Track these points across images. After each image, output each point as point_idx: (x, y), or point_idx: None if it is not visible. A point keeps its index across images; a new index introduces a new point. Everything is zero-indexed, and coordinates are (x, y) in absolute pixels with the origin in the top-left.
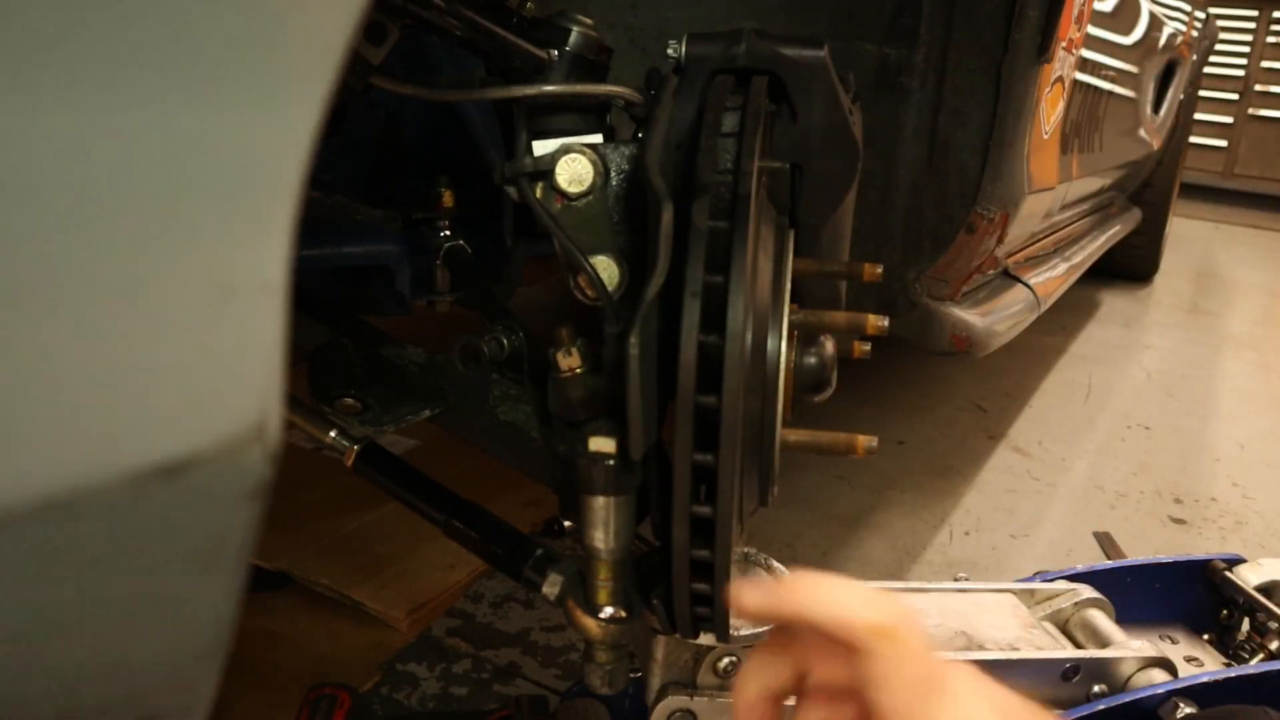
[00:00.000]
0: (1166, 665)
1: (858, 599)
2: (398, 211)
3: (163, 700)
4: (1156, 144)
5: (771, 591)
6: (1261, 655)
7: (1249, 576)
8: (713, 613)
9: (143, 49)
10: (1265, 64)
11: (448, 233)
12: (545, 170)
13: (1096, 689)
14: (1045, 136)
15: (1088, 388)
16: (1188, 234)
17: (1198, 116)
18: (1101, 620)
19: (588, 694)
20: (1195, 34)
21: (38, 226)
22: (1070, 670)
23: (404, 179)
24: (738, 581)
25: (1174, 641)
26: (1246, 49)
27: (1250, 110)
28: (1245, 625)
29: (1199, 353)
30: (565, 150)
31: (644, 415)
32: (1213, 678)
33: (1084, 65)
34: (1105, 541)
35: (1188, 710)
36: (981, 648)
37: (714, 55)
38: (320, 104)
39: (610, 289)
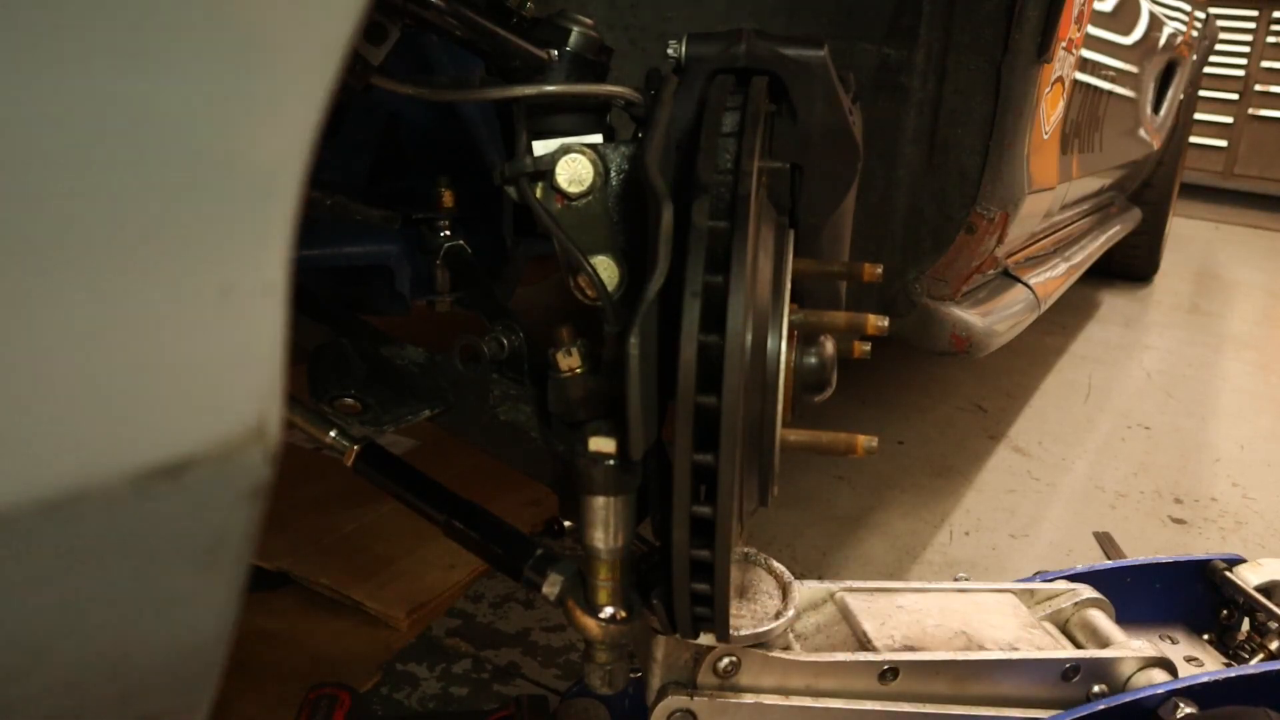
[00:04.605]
0: (1166, 665)
1: None
2: (398, 211)
3: (163, 700)
4: (1156, 144)
5: None
6: (1261, 655)
7: (1249, 576)
8: (713, 613)
9: (141, 46)
10: (1265, 64)
11: (448, 233)
12: (545, 170)
13: (1096, 689)
14: (1045, 136)
15: (1088, 388)
16: (1188, 234)
17: (1198, 116)
18: (1101, 620)
19: (588, 694)
20: (1195, 34)
21: (36, 226)
22: (1070, 670)
23: (404, 179)
24: None
25: (1174, 641)
26: (1246, 49)
27: (1250, 110)
28: (1245, 625)
29: (1199, 353)
30: (565, 150)
31: (644, 415)
32: (1213, 678)
33: (1084, 65)
34: (1105, 541)
35: (1188, 710)
36: (981, 648)
37: (714, 55)
38: (320, 104)
39: (610, 289)
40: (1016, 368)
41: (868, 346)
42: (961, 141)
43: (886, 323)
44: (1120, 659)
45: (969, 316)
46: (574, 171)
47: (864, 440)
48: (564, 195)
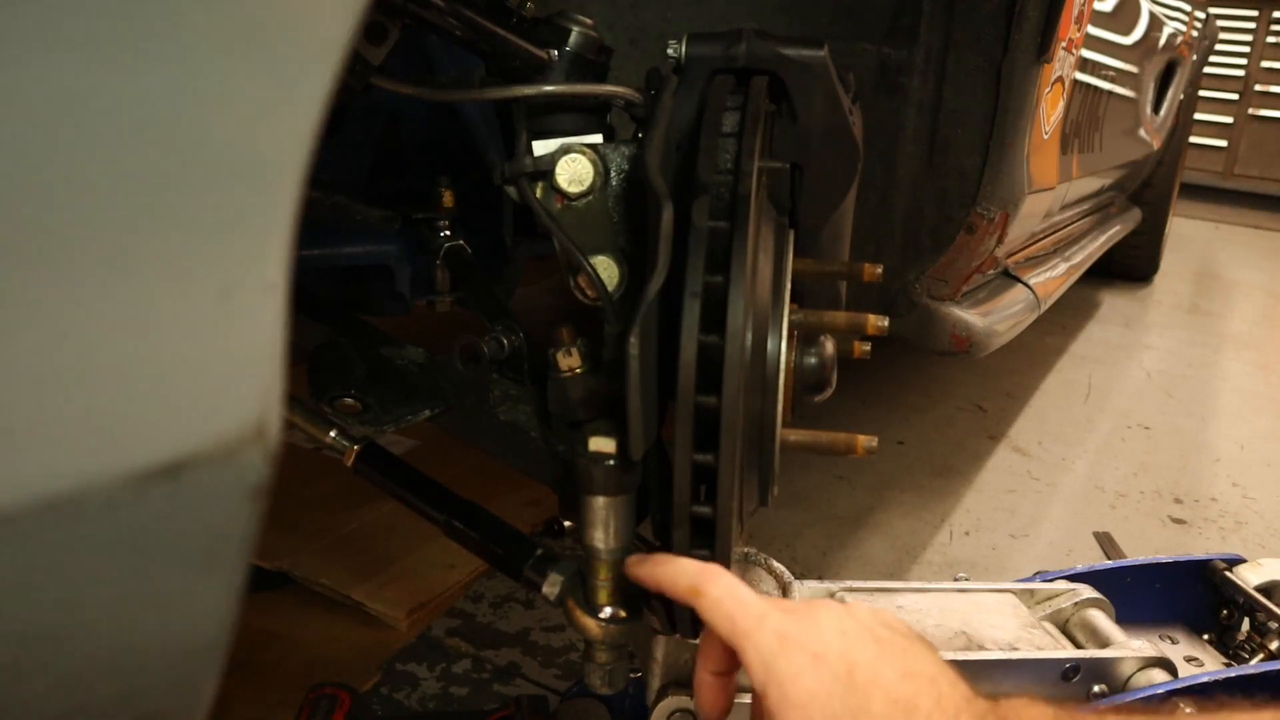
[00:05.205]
0: (1166, 665)
1: (672, 571)
2: (398, 211)
3: (163, 700)
4: (1156, 144)
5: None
6: (1261, 655)
7: (1249, 576)
8: None
9: (140, 44)
10: (1265, 64)
11: (448, 233)
12: (545, 170)
13: (1096, 689)
14: (1045, 136)
15: (1088, 388)
16: (1188, 234)
17: (1198, 116)
18: (1101, 620)
19: (588, 694)
20: (1195, 34)
21: (35, 225)
22: (1070, 670)
23: (404, 179)
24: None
25: (1174, 641)
26: (1246, 49)
27: (1250, 110)
28: (1245, 625)
29: (1199, 353)
30: (565, 150)
31: (644, 415)
32: (1213, 678)
33: (1084, 65)
34: (1105, 541)
35: (1188, 710)
36: (981, 648)
37: (714, 55)
38: (320, 103)
39: (610, 289)
40: (1016, 368)
41: (868, 346)
42: (961, 141)
43: (886, 323)
44: (1120, 659)
45: (969, 316)
46: (574, 171)
47: (864, 440)
48: (564, 195)
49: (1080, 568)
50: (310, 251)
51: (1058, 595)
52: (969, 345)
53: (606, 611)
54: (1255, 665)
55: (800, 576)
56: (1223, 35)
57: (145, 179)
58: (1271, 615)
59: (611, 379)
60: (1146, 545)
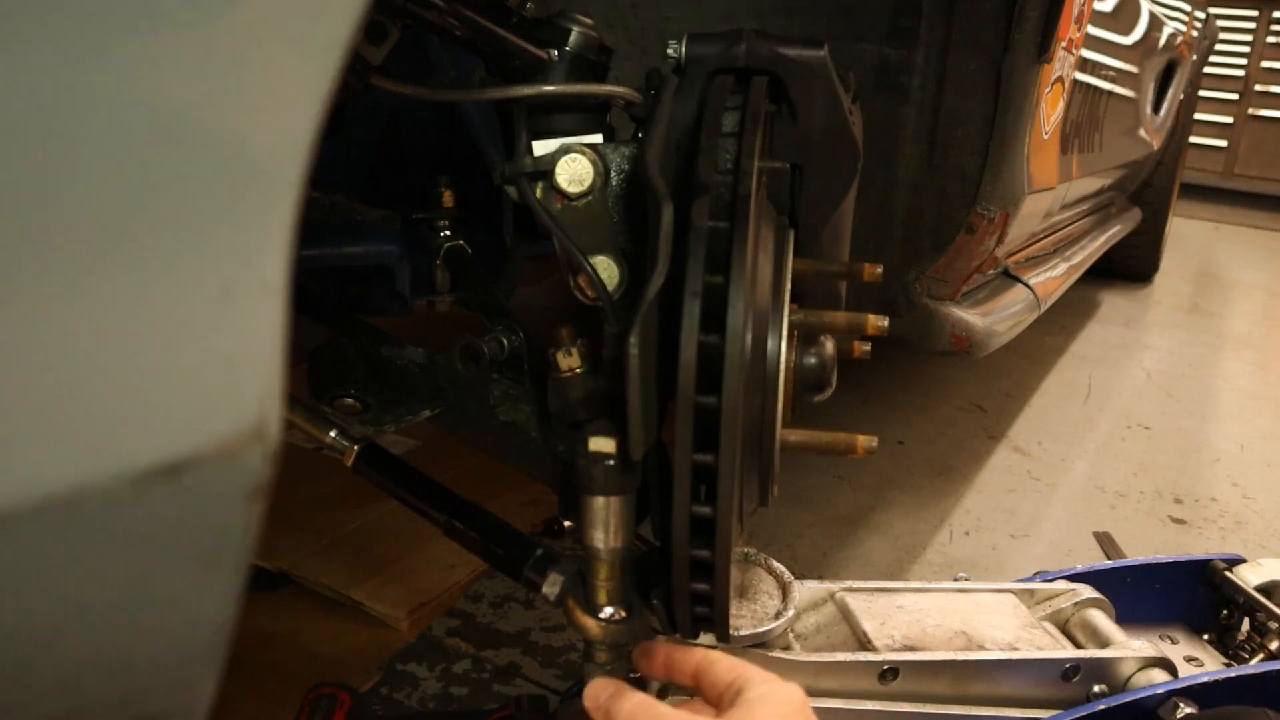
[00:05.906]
0: (1166, 665)
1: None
2: (398, 211)
3: (163, 700)
4: (1156, 144)
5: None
6: (1261, 655)
7: (1249, 576)
8: (713, 612)
9: (140, 44)
10: (1265, 64)
11: (448, 233)
12: (545, 170)
13: (1096, 689)
14: (1045, 136)
15: (1088, 388)
16: (1188, 234)
17: (1198, 116)
18: (1101, 620)
19: None
20: (1195, 34)
21: (36, 225)
22: (1070, 670)
23: (404, 179)
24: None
25: (1174, 641)
26: (1246, 49)
27: (1250, 110)
28: (1245, 625)
29: (1199, 353)
30: (565, 150)
31: (644, 415)
32: (1213, 678)
33: (1084, 65)
34: (1105, 541)
35: (1188, 710)
36: (981, 648)
37: (714, 55)
38: (321, 103)
39: (610, 289)
40: (1016, 368)
41: (868, 346)
42: (961, 141)
43: (886, 323)
44: (1120, 659)
45: (969, 316)
46: (574, 171)
47: (864, 440)
48: (564, 195)
49: (1080, 568)
50: (310, 251)
51: (1058, 595)
52: (969, 345)
53: (606, 611)
54: (1255, 665)
55: (800, 576)
56: (1223, 35)
57: (145, 178)
58: (1271, 615)
59: (611, 379)
60: (1146, 545)
